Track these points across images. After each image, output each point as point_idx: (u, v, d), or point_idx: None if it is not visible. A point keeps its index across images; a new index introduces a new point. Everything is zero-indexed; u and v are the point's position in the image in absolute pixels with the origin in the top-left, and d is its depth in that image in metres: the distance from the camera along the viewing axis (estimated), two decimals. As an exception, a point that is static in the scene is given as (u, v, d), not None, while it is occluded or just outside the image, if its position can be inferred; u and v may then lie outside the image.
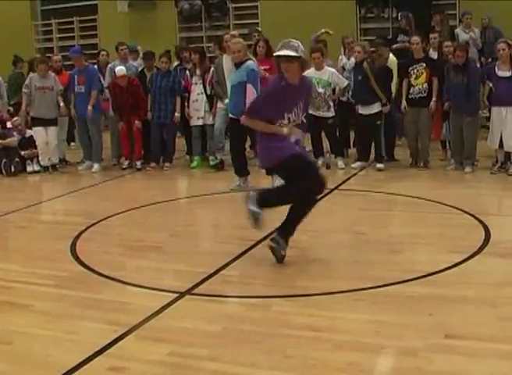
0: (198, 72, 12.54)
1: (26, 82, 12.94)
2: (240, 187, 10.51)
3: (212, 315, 5.62)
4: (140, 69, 13.55)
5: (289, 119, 6.67)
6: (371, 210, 8.84)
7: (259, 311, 5.71)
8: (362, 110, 11.74)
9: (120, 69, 12.60)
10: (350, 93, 12.16)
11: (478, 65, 13.06)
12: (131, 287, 6.39)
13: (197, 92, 12.52)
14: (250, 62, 10.42)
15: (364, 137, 12.01)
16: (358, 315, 5.46)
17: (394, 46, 14.42)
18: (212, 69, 12.33)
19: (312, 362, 4.64)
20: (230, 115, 10.54)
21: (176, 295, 6.03)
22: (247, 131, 9.65)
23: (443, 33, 13.76)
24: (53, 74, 13.01)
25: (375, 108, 11.60)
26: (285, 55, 6.45)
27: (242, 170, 10.64)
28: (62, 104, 12.81)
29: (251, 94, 9.99)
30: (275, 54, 6.62)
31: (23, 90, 12.92)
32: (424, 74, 11.44)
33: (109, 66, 13.40)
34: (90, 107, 12.65)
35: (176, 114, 12.59)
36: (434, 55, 12.45)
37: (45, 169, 12.90)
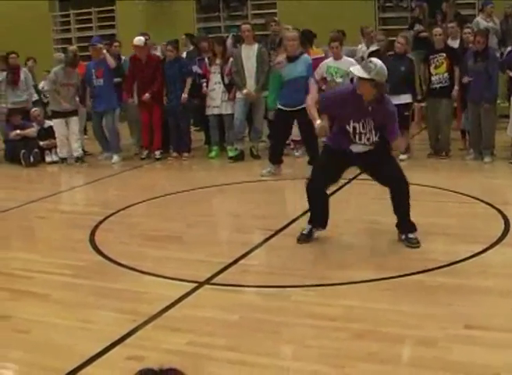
0: (218, 61, 12.49)
1: (53, 77, 12.79)
2: (271, 173, 10.73)
3: (230, 304, 5.62)
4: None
5: (354, 128, 6.81)
6: (387, 200, 8.78)
7: (278, 301, 5.72)
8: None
9: (138, 39, 12.59)
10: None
11: (498, 54, 12.95)
12: (149, 276, 6.40)
13: (215, 81, 12.46)
14: (306, 55, 10.69)
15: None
16: (378, 304, 5.45)
17: (411, 36, 14.40)
18: (231, 59, 12.29)
19: (332, 351, 4.64)
20: (279, 106, 10.68)
21: (194, 285, 6.04)
22: (302, 125, 10.48)
23: (447, 21, 13.80)
24: (76, 71, 12.92)
25: (406, 98, 11.45)
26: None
27: (277, 158, 10.91)
28: (77, 98, 12.83)
29: (314, 88, 10.46)
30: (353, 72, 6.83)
31: (51, 86, 12.85)
32: (445, 64, 11.35)
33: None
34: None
35: (184, 95, 12.53)
36: (454, 44, 12.37)
37: (63, 160, 12.92)
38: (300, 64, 10.56)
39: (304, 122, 10.38)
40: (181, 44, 14.40)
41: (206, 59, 12.79)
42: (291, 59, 10.56)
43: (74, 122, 12.80)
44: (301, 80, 10.55)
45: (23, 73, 13.87)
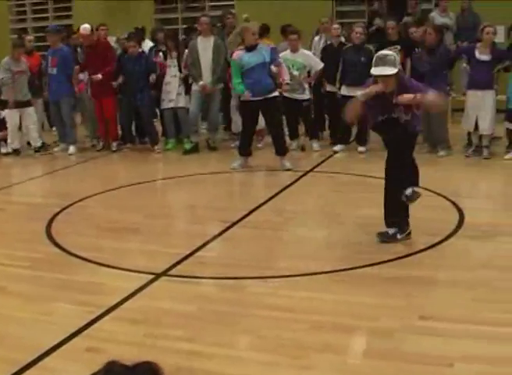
0: (174, 54, 12.42)
1: (6, 66, 12.71)
2: (241, 166, 10.66)
3: (188, 296, 5.64)
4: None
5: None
6: (345, 192, 8.83)
7: (235, 292, 5.75)
8: (350, 92, 11.34)
9: (83, 28, 12.55)
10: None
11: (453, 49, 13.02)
12: (107, 268, 6.38)
13: (171, 75, 12.40)
14: (262, 44, 10.69)
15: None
16: (335, 296, 5.49)
17: (370, 29, 14.44)
18: (186, 51, 12.22)
19: (287, 342, 4.67)
20: (243, 98, 10.53)
21: (151, 277, 6.04)
22: (267, 115, 10.43)
23: (414, 18, 13.92)
24: (24, 59, 12.78)
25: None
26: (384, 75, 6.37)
27: (246, 150, 10.78)
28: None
29: (284, 72, 10.71)
30: (372, 73, 6.46)
31: (5, 74, 12.70)
32: (400, 56, 11.40)
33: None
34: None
35: (152, 91, 12.49)
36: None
37: (15, 151, 12.79)
38: (259, 51, 10.36)
39: (269, 111, 10.33)
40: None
41: (161, 53, 12.67)
42: (251, 49, 10.40)
43: (29, 114, 12.65)
44: (265, 66, 10.33)
45: None
